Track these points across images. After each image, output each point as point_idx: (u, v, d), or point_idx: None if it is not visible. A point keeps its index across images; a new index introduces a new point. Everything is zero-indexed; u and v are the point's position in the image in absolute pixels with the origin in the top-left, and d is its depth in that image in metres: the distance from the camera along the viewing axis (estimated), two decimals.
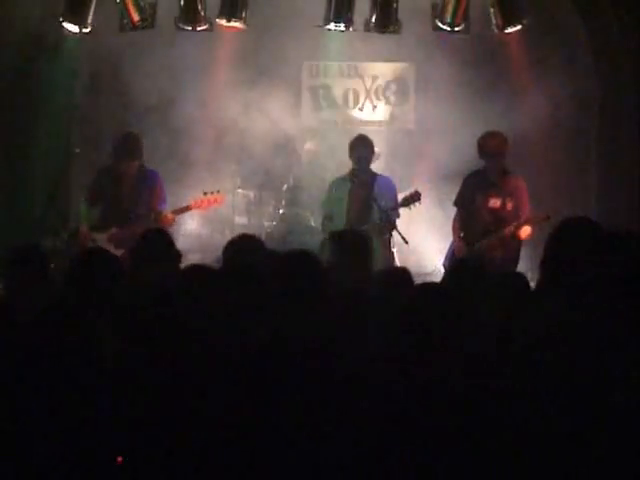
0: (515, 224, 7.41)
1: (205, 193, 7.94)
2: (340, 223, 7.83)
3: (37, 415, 3.39)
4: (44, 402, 3.40)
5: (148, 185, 7.76)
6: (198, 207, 7.91)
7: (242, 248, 5.06)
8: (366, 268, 5.12)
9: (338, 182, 8.14)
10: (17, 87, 9.00)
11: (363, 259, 5.21)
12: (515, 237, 7.45)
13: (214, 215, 9.52)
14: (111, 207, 7.73)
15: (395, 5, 8.40)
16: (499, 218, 7.52)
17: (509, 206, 7.54)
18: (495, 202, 7.58)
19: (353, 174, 7.95)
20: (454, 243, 7.75)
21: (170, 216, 7.65)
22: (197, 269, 4.09)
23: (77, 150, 8.43)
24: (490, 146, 7.57)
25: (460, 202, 7.82)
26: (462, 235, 7.68)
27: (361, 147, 7.91)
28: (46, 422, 3.37)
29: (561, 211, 7.30)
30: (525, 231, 7.42)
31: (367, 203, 7.81)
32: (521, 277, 4.63)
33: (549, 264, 3.88)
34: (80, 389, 3.42)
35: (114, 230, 7.57)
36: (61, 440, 3.37)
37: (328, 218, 8.06)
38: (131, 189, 7.72)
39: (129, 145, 7.74)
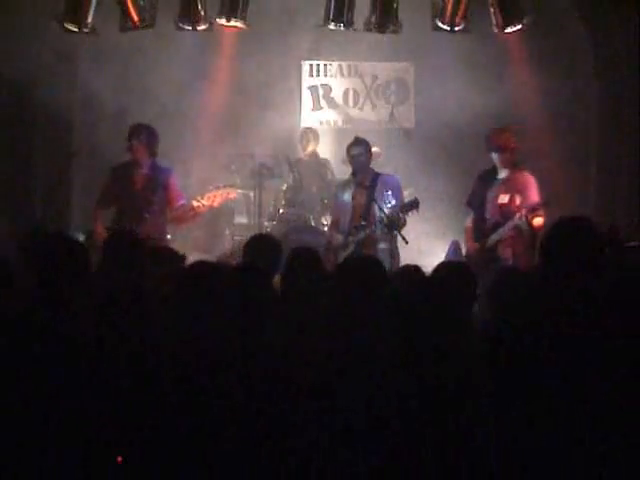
0: (518, 215, 7.38)
1: (218, 187, 7.93)
2: (346, 226, 7.83)
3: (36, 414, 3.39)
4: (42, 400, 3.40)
5: (162, 182, 7.71)
6: (213, 201, 7.84)
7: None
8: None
9: (341, 186, 8.15)
10: (17, 87, 8.99)
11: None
12: (530, 226, 7.40)
13: (214, 215, 9.51)
14: (126, 206, 7.68)
15: (395, 5, 8.41)
16: (507, 213, 7.49)
17: (517, 201, 7.51)
18: (504, 198, 7.56)
19: (353, 176, 7.96)
20: (466, 243, 7.71)
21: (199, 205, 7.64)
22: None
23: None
24: (498, 141, 7.55)
25: (472, 201, 7.79)
26: (474, 234, 7.66)
27: (356, 148, 7.91)
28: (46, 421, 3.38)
29: (561, 205, 7.32)
30: (537, 221, 7.39)
31: (368, 204, 7.81)
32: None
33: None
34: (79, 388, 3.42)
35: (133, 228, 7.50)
36: (61, 439, 3.38)
37: (334, 224, 8.04)
38: (145, 187, 7.69)
39: (143, 142, 7.70)
